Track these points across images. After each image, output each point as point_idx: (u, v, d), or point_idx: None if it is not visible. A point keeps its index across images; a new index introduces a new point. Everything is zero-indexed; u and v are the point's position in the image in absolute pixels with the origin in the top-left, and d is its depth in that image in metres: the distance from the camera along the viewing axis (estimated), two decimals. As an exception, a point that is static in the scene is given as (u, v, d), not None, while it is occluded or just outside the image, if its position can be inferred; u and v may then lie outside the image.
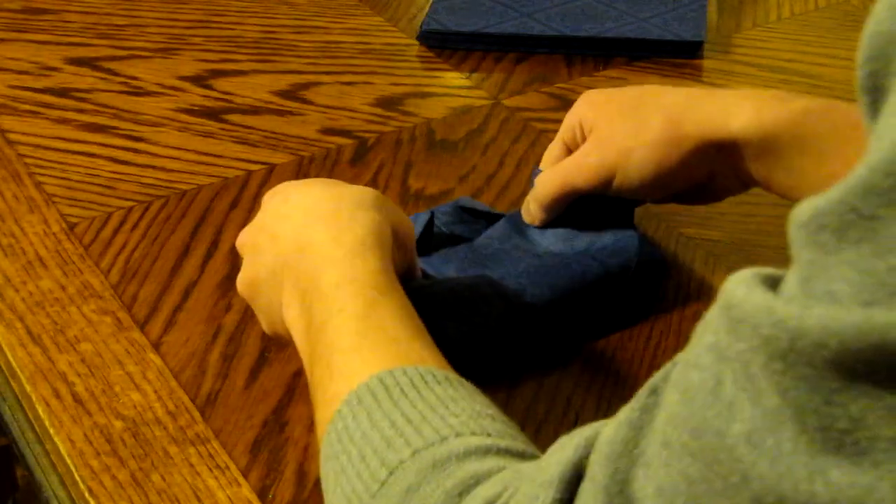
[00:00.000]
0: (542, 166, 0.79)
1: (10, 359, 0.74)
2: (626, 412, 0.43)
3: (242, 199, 0.87)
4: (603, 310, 0.75)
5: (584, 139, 0.76)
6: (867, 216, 0.34)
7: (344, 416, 0.55)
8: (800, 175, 0.70)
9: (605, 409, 0.69)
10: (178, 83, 1.02)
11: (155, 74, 1.03)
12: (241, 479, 0.65)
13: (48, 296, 0.78)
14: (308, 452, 0.67)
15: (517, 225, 0.79)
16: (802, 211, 0.36)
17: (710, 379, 0.38)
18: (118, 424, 0.69)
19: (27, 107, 0.98)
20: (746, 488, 0.36)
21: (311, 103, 0.99)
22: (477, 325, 0.70)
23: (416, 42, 1.08)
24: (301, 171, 0.91)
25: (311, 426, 0.67)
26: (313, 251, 0.63)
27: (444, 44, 1.08)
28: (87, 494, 0.65)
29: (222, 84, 1.02)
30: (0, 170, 0.90)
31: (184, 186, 0.89)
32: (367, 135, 0.95)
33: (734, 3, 1.17)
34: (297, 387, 0.71)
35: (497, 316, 0.71)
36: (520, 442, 0.54)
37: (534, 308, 0.72)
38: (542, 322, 0.72)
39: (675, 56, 1.05)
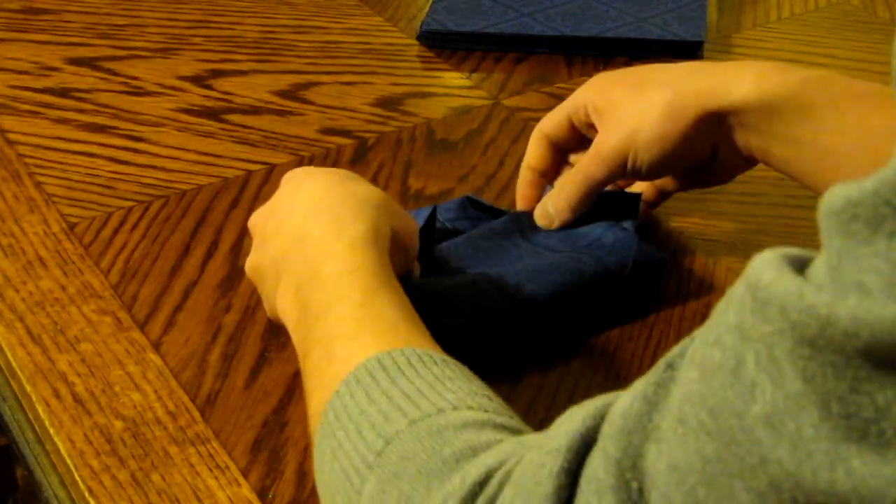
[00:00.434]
0: (542, 128, 0.79)
1: (10, 359, 0.74)
2: (640, 385, 0.43)
3: (242, 200, 0.87)
4: (601, 307, 0.75)
5: (588, 120, 0.76)
6: None
7: (342, 395, 0.56)
8: (797, 146, 0.70)
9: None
10: (178, 83, 1.02)
11: (155, 74, 1.03)
12: (241, 479, 0.65)
13: (48, 296, 0.78)
14: (308, 452, 0.67)
15: (519, 223, 0.79)
16: (835, 199, 0.35)
17: (732, 358, 0.37)
18: (118, 424, 0.69)
19: (27, 107, 0.98)
20: (763, 471, 0.36)
21: (311, 103, 0.99)
22: (476, 321, 0.70)
23: (416, 42, 1.08)
24: (301, 171, 0.91)
25: (311, 426, 0.67)
26: (314, 242, 0.65)
27: (444, 44, 1.08)
28: (87, 494, 0.65)
29: (222, 84, 1.02)
30: (0, 170, 0.90)
31: (184, 186, 0.89)
32: (367, 135, 0.95)
33: (734, 3, 1.17)
34: (297, 387, 0.71)
35: (496, 312, 0.71)
36: (517, 422, 0.54)
37: (533, 304, 0.72)
38: (541, 318, 0.72)
39: (675, 56, 1.05)
